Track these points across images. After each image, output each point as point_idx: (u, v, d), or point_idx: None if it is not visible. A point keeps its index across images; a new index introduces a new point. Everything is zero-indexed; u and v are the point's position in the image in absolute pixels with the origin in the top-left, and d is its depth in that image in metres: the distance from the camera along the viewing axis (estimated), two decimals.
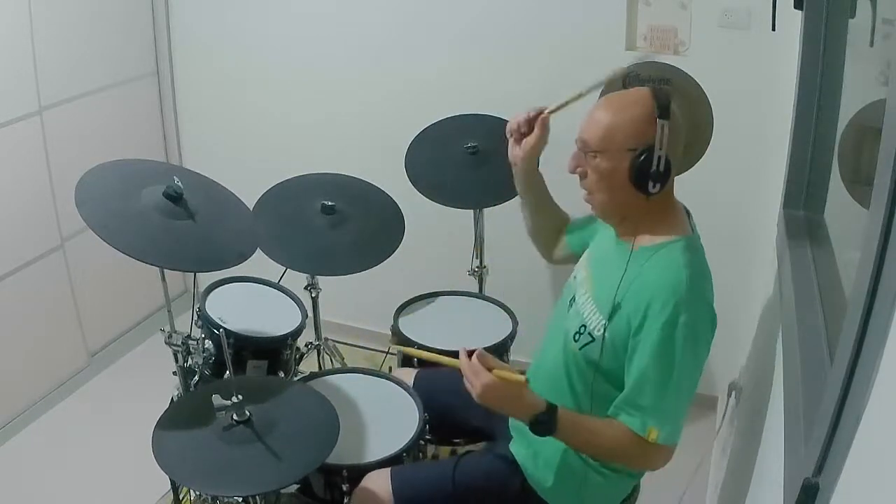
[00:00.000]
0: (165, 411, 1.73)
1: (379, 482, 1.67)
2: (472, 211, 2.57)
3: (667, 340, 1.41)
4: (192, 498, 2.15)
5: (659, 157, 1.43)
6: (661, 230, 1.51)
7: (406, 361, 2.21)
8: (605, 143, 1.47)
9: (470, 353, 1.49)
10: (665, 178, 1.46)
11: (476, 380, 1.44)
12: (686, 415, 1.49)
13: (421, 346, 2.15)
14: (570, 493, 1.61)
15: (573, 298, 1.64)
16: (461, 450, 2.00)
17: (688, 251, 1.48)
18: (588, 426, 1.51)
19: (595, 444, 1.51)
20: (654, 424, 1.43)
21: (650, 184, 1.45)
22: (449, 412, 1.88)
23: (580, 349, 1.55)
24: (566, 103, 1.66)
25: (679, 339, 1.41)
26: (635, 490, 1.73)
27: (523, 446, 1.66)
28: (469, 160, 2.41)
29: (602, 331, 1.51)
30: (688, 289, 1.42)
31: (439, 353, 1.67)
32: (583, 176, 1.53)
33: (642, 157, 1.44)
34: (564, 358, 1.60)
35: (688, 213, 1.61)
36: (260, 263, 2.02)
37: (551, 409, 1.45)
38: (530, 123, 1.70)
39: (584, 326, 1.55)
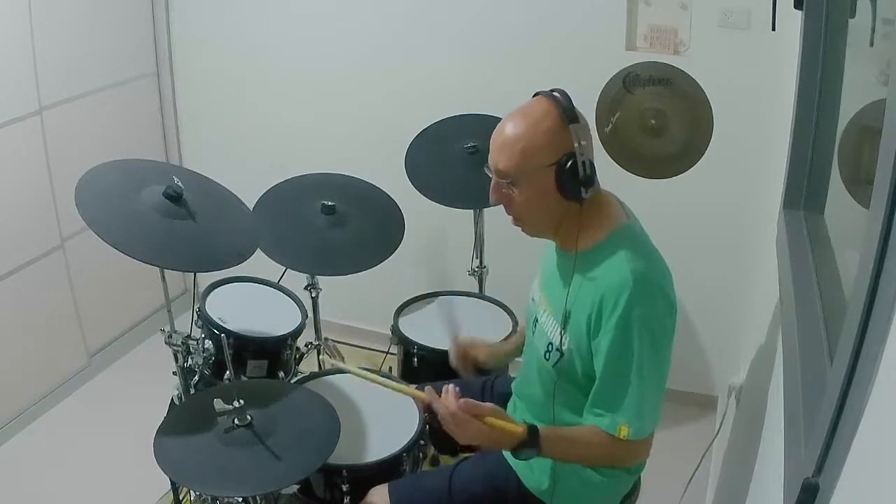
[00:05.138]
0: (167, 415, 1.73)
1: (378, 498, 1.67)
2: (472, 211, 2.57)
3: (622, 337, 1.41)
4: (191, 498, 2.15)
5: (583, 162, 1.41)
6: (598, 227, 1.49)
7: (406, 369, 2.20)
8: (525, 166, 1.43)
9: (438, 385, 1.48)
10: (593, 177, 1.44)
11: (461, 430, 1.42)
12: (660, 406, 1.48)
13: (421, 347, 2.15)
14: (569, 494, 1.61)
15: (536, 320, 1.63)
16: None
17: (629, 241, 1.47)
18: (567, 437, 1.50)
19: (577, 453, 1.52)
20: (622, 422, 1.43)
21: (582, 190, 1.43)
22: None
23: (553, 367, 1.54)
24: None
25: (635, 333, 1.40)
26: (636, 488, 1.73)
27: None
28: (469, 160, 2.41)
29: (567, 343, 1.50)
30: (635, 281, 1.40)
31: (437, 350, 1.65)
32: (508, 205, 1.50)
33: (566, 167, 1.41)
34: (541, 381, 1.60)
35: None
36: (260, 263, 2.02)
37: (533, 432, 1.44)
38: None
39: (551, 344, 1.54)
